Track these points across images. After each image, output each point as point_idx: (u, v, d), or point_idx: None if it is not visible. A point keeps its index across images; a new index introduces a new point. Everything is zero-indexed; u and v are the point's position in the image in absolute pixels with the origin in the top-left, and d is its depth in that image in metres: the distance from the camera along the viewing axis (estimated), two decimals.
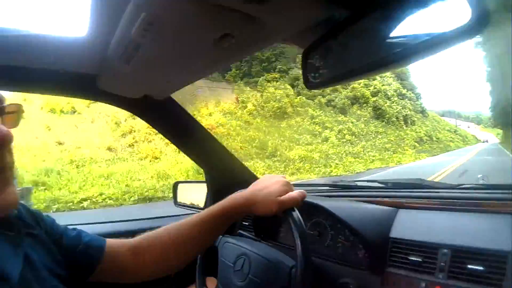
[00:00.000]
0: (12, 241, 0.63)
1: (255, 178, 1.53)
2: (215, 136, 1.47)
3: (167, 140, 1.66)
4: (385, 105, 25.42)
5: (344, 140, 20.35)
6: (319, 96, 22.64)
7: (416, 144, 25.75)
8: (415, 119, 29.45)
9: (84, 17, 0.85)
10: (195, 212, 1.62)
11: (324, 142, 18.57)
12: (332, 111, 22.70)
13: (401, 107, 27.15)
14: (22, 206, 0.75)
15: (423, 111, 34.10)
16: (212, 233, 0.90)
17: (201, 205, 1.60)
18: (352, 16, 0.63)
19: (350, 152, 18.54)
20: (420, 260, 0.81)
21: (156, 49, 0.83)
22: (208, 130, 1.45)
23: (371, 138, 22.28)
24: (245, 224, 1.32)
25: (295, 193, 0.84)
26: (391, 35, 0.58)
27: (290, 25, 0.73)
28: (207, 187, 1.57)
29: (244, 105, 19.04)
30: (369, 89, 26.11)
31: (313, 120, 20.76)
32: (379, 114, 24.80)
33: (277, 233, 1.23)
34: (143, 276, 0.89)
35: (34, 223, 0.74)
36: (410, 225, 0.92)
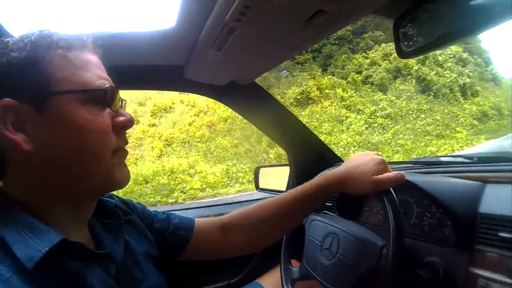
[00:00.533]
0: (113, 228, 0.69)
1: (339, 160, 1.49)
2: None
3: None
4: (431, 73, 18.58)
5: (375, 124, 15.53)
6: (353, 74, 18.40)
7: (475, 122, 17.61)
8: (479, 88, 20.81)
9: (172, 9, 0.87)
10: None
11: (346, 130, 14.68)
12: (369, 90, 17.76)
13: (457, 75, 19.47)
14: (115, 196, 0.81)
15: (494, 79, 24.80)
16: (304, 211, 0.90)
17: (283, 188, 1.59)
18: None
19: (375, 142, 13.81)
20: (511, 236, 0.75)
21: (250, 33, 0.83)
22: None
23: (411, 119, 16.38)
24: (328, 204, 1.30)
25: (392, 174, 0.80)
26: None
27: None
28: (290, 169, 1.56)
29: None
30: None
31: (342, 103, 16.69)
32: (424, 86, 18.26)
33: (361, 212, 1.20)
34: (232, 252, 0.91)
35: (129, 210, 0.81)
36: (500, 200, 0.84)
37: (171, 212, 0.92)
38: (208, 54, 0.96)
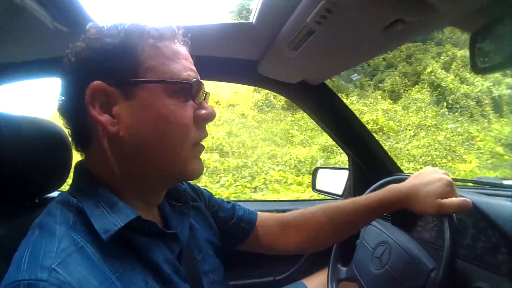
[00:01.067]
0: (180, 211, 0.73)
1: (399, 170, 1.45)
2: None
3: None
4: (448, 79, 12.77)
5: None
6: (362, 76, 14.11)
7: (499, 149, 10.22)
8: None
9: (254, 5, 0.91)
10: (332, 198, 1.63)
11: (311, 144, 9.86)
12: (379, 97, 13.51)
13: (491, 84, 12.90)
14: (186, 182, 0.85)
15: None
16: (364, 222, 0.91)
17: (339, 192, 1.58)
18: None
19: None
20: None
21: (328, 36, 0.85)
22: None
23: (407, 136, 10.81)
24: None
25: (457, 201, 0.76)
26: None
27: (460, 8, 0.70)
28: (349, 173, 1.56)
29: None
30: (439, 59, 13.93)
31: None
32: (438, 94, 12.76)
33: (415, 225, 1.16)
34: (288, 250, 0.93)
35: (196, 196, 0.84)
36: None
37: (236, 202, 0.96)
38: (284, 53, 0.99)
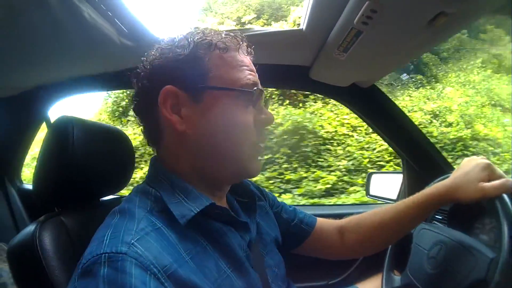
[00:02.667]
0: (248, 207, 0.79)
1: (452, 169, 1.40)
2: None
3: None
4: None
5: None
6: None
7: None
8: None
9: (303, 12, 0.97)
10: (387, 203, 1.60)
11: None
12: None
13: None
14: (250, 182, 0.91)
15: None
16: (415, 220, 0.91)
17: (393, 197, 1.56)
18: None
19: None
20: None
21: (375, 35, 0.88)
22: None
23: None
24: (438, 217, 1.24)
25: (501, 181, 0.77)
26: None
27: None
28: (404, 177, 1.54)
29: None
30: None
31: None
32: None
33: (472, 228, 1.10)
34: (345, 254, 0.98)
35: (262, 196, 0.90)
36: None
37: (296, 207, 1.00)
38: (334, 56, 1.03)
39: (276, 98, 6.89)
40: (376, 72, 1.20)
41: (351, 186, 4.84)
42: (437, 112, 7.40)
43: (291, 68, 1.26)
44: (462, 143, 6.40)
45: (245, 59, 0.67)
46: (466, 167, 0.84)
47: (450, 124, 7.07)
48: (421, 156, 1.44)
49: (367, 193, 1.76)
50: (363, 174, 4.90)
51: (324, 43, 1.03)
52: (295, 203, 3.89)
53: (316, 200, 4.58)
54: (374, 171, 1.68)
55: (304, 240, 0.93)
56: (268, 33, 1.07)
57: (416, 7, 0.76)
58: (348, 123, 6.35)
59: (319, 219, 0.97)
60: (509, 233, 0.71)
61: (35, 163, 0.80)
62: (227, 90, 0.62)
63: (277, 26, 8.67)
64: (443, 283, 0.83)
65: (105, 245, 0.49)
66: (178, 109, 0.62)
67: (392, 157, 5.31)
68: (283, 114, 5.92)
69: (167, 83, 0.62)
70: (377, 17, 0.78)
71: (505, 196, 0.76)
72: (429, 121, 7.18)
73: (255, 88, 0.65)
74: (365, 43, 0.92)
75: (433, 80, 9.93)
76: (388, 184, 1.69)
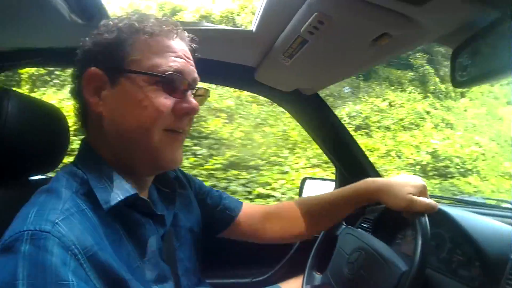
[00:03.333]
0: (167, 197, 0.79)
1: None
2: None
3: None
4: None
5: None
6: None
7: None
8: None
9: (255, 13, 0.97)
10: None
11: None
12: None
13: None
14: (178, 168, 0.91)
15: None
16: (340, 211, 0.96)
17: None
18: (501, 16, 0.63)
19: None
20: None
21: (320, 46, 0.90)
22: None
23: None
24: (363, 226, 1.31)
25: (429, 201, 0.82)
26: None
27: (443, 26, 0.75)
28: (336, 185, 1.59)
29: None
30: None
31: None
32: None
33: (394, 238, 1.18)
34: (270, 239, 1.00)
35: (187, 184, 0.90)
36: None
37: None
38: (279, 61, 1.04)
39: None
40: (319, 82, 1.23)
41: None
42: None
43: (237, 68, 1.25)
44: None
45: (175, 45, 0.67)
46: (402, 178, 0.88)
47: None
48: (353, 167, 1.50)
49: (300, 196, 1.81)
50: None
51: (271, 47, 1.03)
52: None
53: None
54: (309, 176, 1.76)
55: (229, 225, 0.95)
56: (218, 30, 1.05)
57: (362, 24, 0.78)
58: None
59: (246, 204, 0.99)
60: (422, 250, 0.75)
61: None
62: (142, 74, 0.62)
63: None
64: None
65: (29, 222, 0.49)
66: (99, 91, 0.63)
67: None
68: None
69: (93, 65, 0.63)
70: (323, 28, 0.79)
71: (425, 215, 0.80)
72: None
73: (169, 73, 0.63)
74: (309, 52, 0.93)
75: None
76: (320, 190, 1.75)
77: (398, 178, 0.89)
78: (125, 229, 0.61)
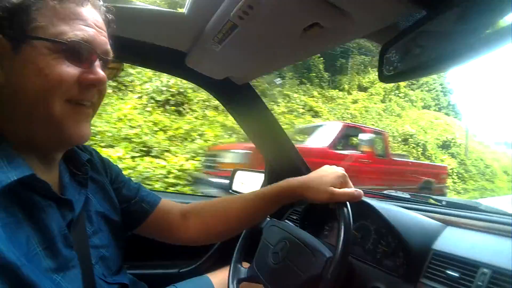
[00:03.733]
0: (78, 180, 0.74)
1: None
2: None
3: None
4: None
5: None
6: None
7: None
8: None
9: None
10: None
11: None
12: None
13: None
14: (95, 152, 0.87)
15: None
16: (261, 212, 0.96)
17: None
18: (429, 14, 0.67)
19: None
20: (457, 275, 0.79)
21: (249, 33, 0.88)
22: None
23: None
24: (292, 217, 1.35)
25: (350, 190, 0.86)
26: (464, 33, 0.61)
27: (374, 21, 0.78)
28: (265, 176, 1.61)
29: None
30: None
31: None
32: None
33: (322, 230, 1.24)
34: (188, 239, 0.96)
35: (102, 170, 0.85)
36: (455, 241, 0.89)
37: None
38: (210, 46, 1.01)
39: None
40: (250, 71, 1.22)
41: None
42: None
43: (168, 51, 1.19)
44: None
45: (86, 13, 0.63)
46: (322, 172, 0.91)
47: None
48: (284, 160, 1.53)
49: (230, 188, 1.82)
50: None
51: (202, 31, 1.00)
52: None
53: None
54: (240, 168, 1.76)
55: (145, 219, 0.91)
56: (150, 10, 0.99)
57: (292, 12, 0.78)
58: None
59: (164, 200, 0.96)
60: (344, 237, 0.78)
61: None
62: (46, 41, 0.58)
63: None
64: (283, 277, 0.88)
65: None
66: (1, 60, 0.59)
67: None
68: None
69: None
70: (253, 13, 0.78)
71: (348, 204, 0.84)
72: None
73: (83, 43, 0.61)
74: (239, 38, 0.92)
75: None
76: (250, 182, 1.77)
77: (319, 172, 0.91)
78: (24, 213, 0.57)
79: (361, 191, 0.87)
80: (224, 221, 0.94)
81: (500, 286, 0.72)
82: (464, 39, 0.60)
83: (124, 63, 0.86)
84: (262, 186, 1.61)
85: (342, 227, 0.80)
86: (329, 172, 0.89)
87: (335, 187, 0.85)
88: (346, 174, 0.90)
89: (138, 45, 1.13)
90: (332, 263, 0.77)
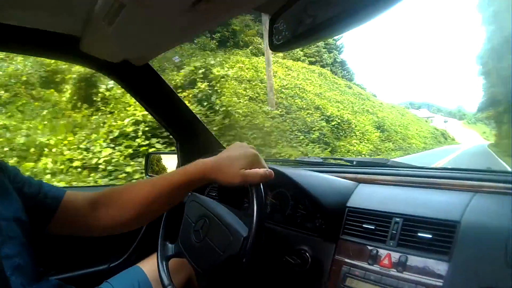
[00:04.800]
0: None
1: (223, 148, 1.58)
2: None
3: None
4: None
5: None
6: None
7: None
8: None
9: None
10: None
11: None
12: None
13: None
14: None
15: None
16: (174, 195, 0.91)
17: None
18: None
19: None
20: (373, 227, 0.87)
21: (138, 11, 0.88)
22: None
23: None
24: (212, 194, 1.39)
25: (261, 171, 0.83)
26: None
27: None
28: (178, 158, 1.63)
29: None
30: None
31: None
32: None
33: (242, 203, 1.29)
34: (100, 230, 0.92)
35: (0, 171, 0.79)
36: (368, 197, 0.98)
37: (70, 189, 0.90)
38: (101, 28, 0.98)
39: None
40: (146, 51, 1.22)
41: None
42: None
43: (59, 37, 1.14)
44: None
45: None
46: (232, 152, 0.86)
47: None
48: (194, 138, 1.54)
49: (146, 173, 1.83)
50: None
51: (92, 12, 0.97)
52: None
53: None
54: (153, 151, 1.74)
55: (52, 215, 0.85)
56: None
57: None
58: None
59: (70, 192, 0.91)
60: (257, 217, 0.78)
61: None
62: None
63: None
64: (205, 256, 0.88)
65: None
66: None
67: None
68: None
69: None
70: None
71: (260, 184, 0.83)
72: None
73: None
74: (129, 18, 0.90)
75: None
76: (165, 165, 1.80)
77: (228, 152, 0.87)
78: None
79: (271, 171, 0.85)
80: (137, 208, 0.89)
81: (411, 231, 0.81)
82: (353, 2, 0.60)
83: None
84: (177, 168, 1.60)
85: (255, 207, 0.79)
86: (240, 153, 0.85)
87: (246, 169, 0.82)
88: (257, 153, 0.87)
89: (27, 32, 1.07)
90: (248, 243, 0.78)
